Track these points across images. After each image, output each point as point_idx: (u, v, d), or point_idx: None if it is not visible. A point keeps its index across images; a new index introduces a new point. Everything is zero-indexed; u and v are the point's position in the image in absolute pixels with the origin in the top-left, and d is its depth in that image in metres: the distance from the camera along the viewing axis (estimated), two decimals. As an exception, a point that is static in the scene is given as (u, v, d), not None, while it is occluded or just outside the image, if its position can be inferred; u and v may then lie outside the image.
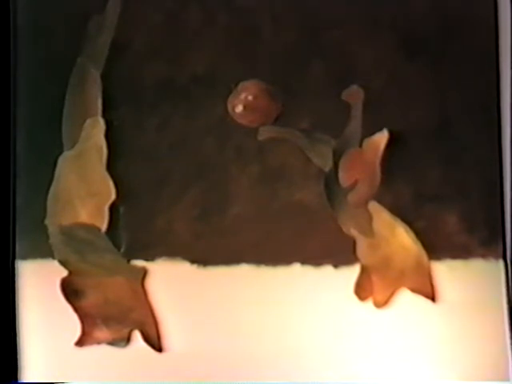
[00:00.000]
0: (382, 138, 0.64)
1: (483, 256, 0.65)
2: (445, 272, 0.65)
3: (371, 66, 0.66)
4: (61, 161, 0.65)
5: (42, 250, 0.65)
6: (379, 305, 0.64)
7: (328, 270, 0.65)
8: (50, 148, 0.65)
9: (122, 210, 0.65)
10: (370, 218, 0.65)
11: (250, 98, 0.66)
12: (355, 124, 0.65)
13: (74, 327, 0.64)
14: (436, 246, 0.65)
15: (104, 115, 0.65)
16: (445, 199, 0.65)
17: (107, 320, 0.64)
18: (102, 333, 0.64)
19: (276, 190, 0.66)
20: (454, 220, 0.65)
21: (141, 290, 0.65)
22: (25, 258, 0.65)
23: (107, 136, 0.65)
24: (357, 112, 0.65)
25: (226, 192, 0.66)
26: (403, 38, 0.66)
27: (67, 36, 0.66)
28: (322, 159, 0.65)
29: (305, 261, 0.65)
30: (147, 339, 0.64)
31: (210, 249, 0.65)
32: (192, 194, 0.66)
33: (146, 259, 0.65)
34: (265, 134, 0.66)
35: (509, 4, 0.66)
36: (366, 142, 0.65)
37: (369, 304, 0.64)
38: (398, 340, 0.64)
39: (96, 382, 0.65)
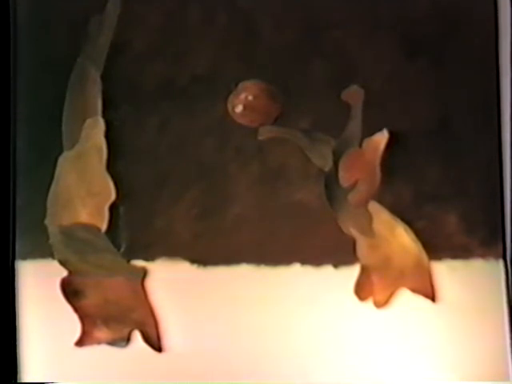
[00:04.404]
0: (381, 138, 0.64)
1: (483, 256, 0.65)
2: (445, 272, 0.65)
3: (371, 66, 0.66)
4: (61, 161, 0.65)
5: (42, 250, 0.65)
6: (379, 305, 0.64)
7: (328, 270, 0.65)
8: (50, 148, 0.65)
9: (121, 210, 0.65)
10: (370, 218, 0.65)
11: (250, 98, 0.66)
12: (355, 124, 0.65)
13: (74, 327, 0.64)
14: (436, 246, 0.65)
15: (104, 115, 0.65)
16: (445, 199, 0.65)
17: (107, 320, 0.64)
18: (101, 333, 0.64)
19: (276, 190, 0.66)
20: (453, 220, 0.65)
21: (141, 290, 0.65)
22: (25, 258, 0.65)
23: (107, 136, 0.65)
24: (357, 112, 0.65)
25: (225, 192, 0.66)
26: (403, 38, 0.66)
27: (67, 36, 0.66)
28: (322, 159, 0.65)
29: (305, 261, 0.65)
30: (147, 339, 0.64)
31: (209, 249, 0.65)
32: (192, 194, 0.66)
33: (146, 259, 0.65)
34: (265, 133, 0.66)
35: (509, 4, 0.66)
36: (366, 142, 0.65)
37: (369, 304, 0.64)
38: (398, 340, 0.64)
39: (96, 382, 0.65)
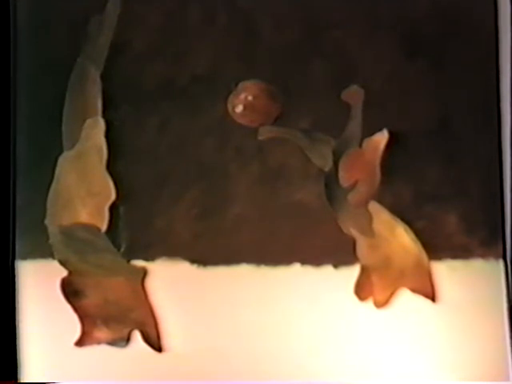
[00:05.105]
0: (381, 138, 0.64)
1: (483, 256, 0.65)
2: (445, 272, 0.65)
3: (371, 66, 0.66)
4: (61, 161, 0.65)
5: (42, 250, 0.65)
6: (379, 305, 0.64)
7: (328, 269, 0.65)
8: (50, 148, 0.65)
9: (121, 210, 0.65)
10: (370, 218, 0.65)
11: (249, 98, 0.66)
12: (355, 124, 0.65)
13: (74, 327, 0.64)
14: (436, 246, 0.65)
15: (104, 115, 0.65)
16: (445, 199, 0.65)
17: (107, 320, 0.64)
18: (101, 333, 0.64)
19: (276, 190, 0.66)
20: (453, 220, 0.65)
21: (141, 290, 0.65)
22: (25, 258, 0.65)
23: (107, 136, 0.65)
24: (357, 112, 0.65)
25: (226, 192, 0.66)
26: (403, 38, 0.66)
27: (67, 36, 0.66)
28: (322, 159, 0.65)
29: (305, 261, 0.65)
30: (147, 339, 0.64)
31: (209, 249, 0.65)
32: (192, 194, 0.66)
33: (146, 259, 0.65)
34: (265, 134, 0.66)
35: (509, 4, 0.66)
36: (366, 142, 0.65)
37: (369, 304, 0.64)
38: (398, 340, 0.64)
39: (96, 382, 0.65)
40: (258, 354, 0.64)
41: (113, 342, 0.64)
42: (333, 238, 0.65)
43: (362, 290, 0.64)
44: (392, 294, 0.64)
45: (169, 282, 0.65)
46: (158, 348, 0.64)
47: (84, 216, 0.65)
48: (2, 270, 0.65)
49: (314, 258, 0.65)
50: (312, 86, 0.66)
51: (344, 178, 0.65)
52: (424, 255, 0.64)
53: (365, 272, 0.64)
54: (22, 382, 0.65)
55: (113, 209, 0.65)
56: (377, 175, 0.64)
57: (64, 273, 0.64)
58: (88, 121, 0.65)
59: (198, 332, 0.65)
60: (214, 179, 0.66)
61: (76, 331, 0.64)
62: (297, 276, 0.65)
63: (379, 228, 0.65)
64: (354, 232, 0.65)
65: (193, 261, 0.65)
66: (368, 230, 0.65)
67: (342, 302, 0.64)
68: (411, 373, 0.64)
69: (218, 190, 0.66)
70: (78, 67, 0.66)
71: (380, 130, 0.64)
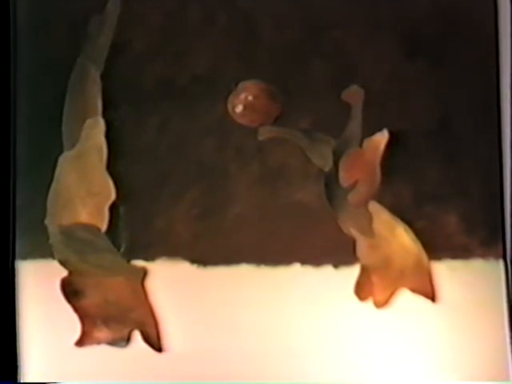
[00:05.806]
0: (381, 138, 0.64)
1: (483, 256, 0.65)
2: (445, 272, 0.65)
3: (371, 66, 0.66)
4: (61, 161, 0.65)
5: (42, 250, 0.65)
6: (379, 305, 0.64)
7: (328, 270, 0.65)
8: (50, 148, 0.65)
9: (122, 210, 0.65)
10: (370, 218, 0.65)
11: (249, 98, 0.66)
12: (355, 124, 0.65)
13: (74, 327, 0.64)
14: (436, 246, 0.65)
15: (104, 115, 0.65)
16: (445, 199, 0.65)
17: (107, 320, 0.64)
18: (101, 333, 0.64)
19: (276, 190, 0.66)
20: (453, 220, 0.65)
21: (141, 290, 0.65)
22: (25, 258, 0.65)
23: (107, 136, 0.65)
24: (357, 112, 0.65)
25: (226, 192, 0.66)
26: (403, 38, 0.66)
27: (67, 36, 0.66)
28: (322, 159, 0.65)
29: (305, 261, 0.65)
30: (147, 339, 0.64)
31: (210, 249, 0.65)
32: (192, 193, 0.66)
33: (146, 259, 0.65)
34: (265, 134, 0.66)
35: (509, 4, 0.66)
36: (366, 142, 0.65)
37: (369, 304, 0.64)
38: (398, 340, 0.64)
39: (96, 382, 0.65)
40: (257, 354, 0.64)
41: (113, 342, 0.64)
42: (333, 238, 0.65)
43: (362, 289, 0.64)
44: (392, 294, 0.64)
45: (169, 282, 0.65)
46: (158, 348, 0.64)
47: (84, 216, 0.65)
48: (2, 270, 0.65)
49: (314, 258, 0.65)
50: (312, 86, 0.66)
51: (344, 178, 0.65)
52: (424, 255, 0.64)
53: (365, 272, 0.64)
54: (21, 382, 0.65)
55: (113, 209, 0.65)
56: (377, 175, 0.64)
57: (64, 273, 0.64)
58: (88, 121, 0.65)
59: (198, 332, 0.65)
60: (214, 179, 0.66)
61: (76, 331, 0.64)
62: (297, 276, 0.65)
63: (379, 228, 0.65)
64: (354, 232, 0.65)
65: (193, 261, 0.65)
66: (368, 230, 0.65)
67: (342, 302, 0.64)
68: (411, 373, 0.64)
69: (217, 190, 0.66)
70: (78, 67, 0.66)
71: (380, 130, 0.64)
